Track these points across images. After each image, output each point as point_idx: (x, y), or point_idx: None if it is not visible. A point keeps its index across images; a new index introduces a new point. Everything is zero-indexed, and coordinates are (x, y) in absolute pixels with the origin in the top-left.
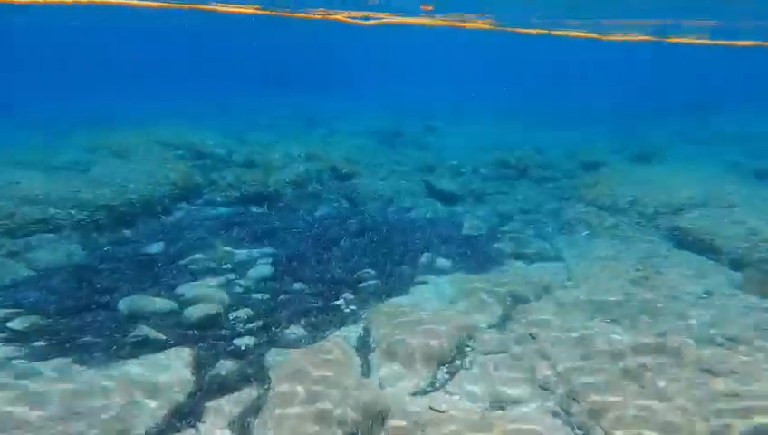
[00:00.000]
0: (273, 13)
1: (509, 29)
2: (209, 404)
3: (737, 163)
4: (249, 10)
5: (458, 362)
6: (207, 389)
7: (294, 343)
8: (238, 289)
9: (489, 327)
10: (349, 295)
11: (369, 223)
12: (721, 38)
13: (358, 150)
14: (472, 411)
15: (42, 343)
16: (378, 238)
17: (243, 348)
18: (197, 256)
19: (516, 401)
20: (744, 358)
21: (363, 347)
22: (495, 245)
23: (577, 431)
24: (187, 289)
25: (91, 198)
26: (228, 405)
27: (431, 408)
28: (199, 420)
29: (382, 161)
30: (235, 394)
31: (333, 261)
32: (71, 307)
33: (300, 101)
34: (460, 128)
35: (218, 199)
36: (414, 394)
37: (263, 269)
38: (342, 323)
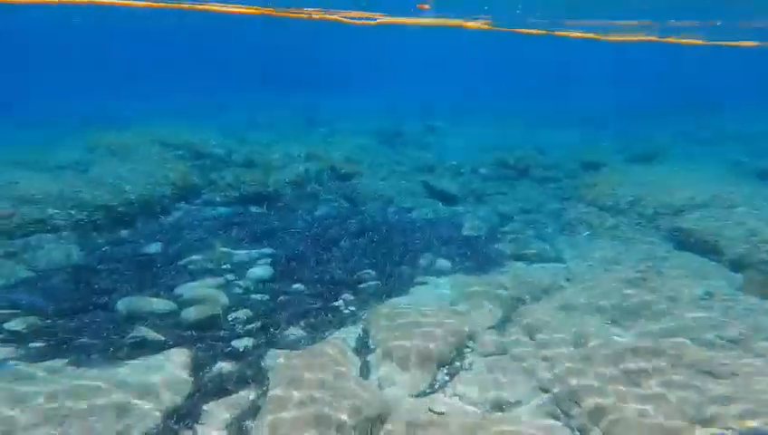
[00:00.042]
0: (273, 12)
1: (507, 29)
2: (207, 406)
3: (739, 163)
4: (249, 10)
5: (458, 364)
6: (205, 390)
7: (293, 345)
8: (237, 290)
9: (489, 328)
10: (348, 296)
11: (369, 223)
12: (721, 38)
13: (358, 150)
14: (471, 413)
15: (39, 344)
16: (377, 239)
17: (241, 349)
18: (196, 256)
19: (516, 403)
20: (745, 360)
21: (362, 348)
22: (496, 245)
23: (576, 433)
24: (185, 290)
25: (90, 199)
26: (226, 407)
27: (430, 410)
28: (197, 422)
29: (382, 161)
30: (233, 396)
31: (333, 261)
32: (69, 308)
33: (300, 101)
34: (461, 128)
35: (217, 199)
36: (413, 396)
37: (262, 270)
38: (342, 324)
